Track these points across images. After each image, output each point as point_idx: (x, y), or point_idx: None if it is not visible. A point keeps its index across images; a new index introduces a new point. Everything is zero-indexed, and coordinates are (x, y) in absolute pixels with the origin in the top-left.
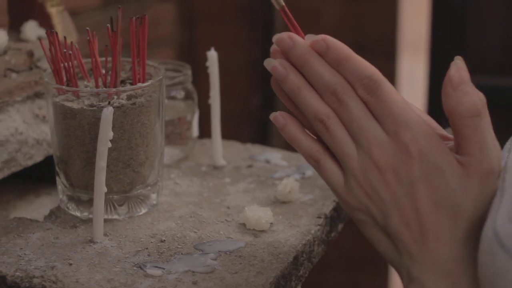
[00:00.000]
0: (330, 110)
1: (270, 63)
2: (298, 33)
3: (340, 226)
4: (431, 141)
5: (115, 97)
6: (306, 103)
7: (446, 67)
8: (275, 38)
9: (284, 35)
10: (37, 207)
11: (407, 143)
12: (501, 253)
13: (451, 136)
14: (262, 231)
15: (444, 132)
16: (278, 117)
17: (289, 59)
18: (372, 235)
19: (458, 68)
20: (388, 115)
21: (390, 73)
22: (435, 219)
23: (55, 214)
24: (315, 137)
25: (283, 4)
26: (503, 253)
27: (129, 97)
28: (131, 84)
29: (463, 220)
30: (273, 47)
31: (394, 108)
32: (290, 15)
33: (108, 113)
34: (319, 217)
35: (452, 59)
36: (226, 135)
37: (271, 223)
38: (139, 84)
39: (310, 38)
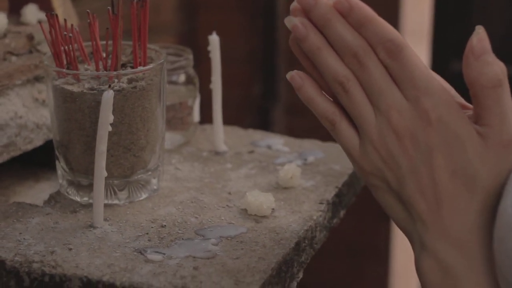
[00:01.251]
0: (350, 72)
1: (291, 21)
2: None
3: (342, 212)
4: (452, 110)
5: (116, 80)
6: (325, 64)
7: (448, 56)
8: None
9: None
10: (37, 192)
11: (427, 109)
12: None
13: (469, 105)
14: (264, 216)
15: (462, 100)
16: (295, 76)
17: (310, 18)
18: (385, 200)
19: (480, 38)
20: (409, 80)
21: None
22: (451, 188)
23: (55, 199)
24: (331, 99)
25: None
26: None
27: (130, 81)
28: (132, 67)
29: (480, 190)
30: (294, 5)
31: (416, 74)
32: None
33: (108, 96)
34: (321, 203)
35: (454, 48)
36: (227, 123)
37: (273, 209)
38: (140, 68)
39: None
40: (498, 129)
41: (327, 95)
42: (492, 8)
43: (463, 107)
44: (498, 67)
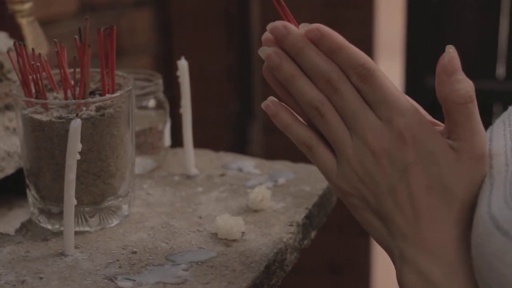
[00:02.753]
0: (324, 97)
1: (265, 51)
2: (291, 22)
3: (313, 234)
4: (424, 127)
5: (84, 108)
6: (300, 90)
7: (423, 71)
8: (269, 26)
9: (278, 23)
10: (10, 220)
11: (401, 129)
12: (498, 235)
13: (438, 122)
14: (234, 240)
15: (431, 118)
16: (269, 105)
17: (283, 47)
18: (365, 219)
19: (451, 57)
20: (382, 102)
21: None
22: (428, 202)
23: (26, 227)
24: (307, 124)
25: None
26: (500, 236)
27: (98, 108)
28: (101, 95)
29: (455, 202)
30: (266, 35)
31: (388, 95)
32: (283, 4)
33: (76, 125)
34: (291, 225)
35: (428, 64)
36: (203, 142)
37: (243, 232)
38: (108, 95)
39: (304, 27)
40: (470, 143)
41: (302, 120)
42: (464, 24)
43: (433, 124)
44: (468, 84)
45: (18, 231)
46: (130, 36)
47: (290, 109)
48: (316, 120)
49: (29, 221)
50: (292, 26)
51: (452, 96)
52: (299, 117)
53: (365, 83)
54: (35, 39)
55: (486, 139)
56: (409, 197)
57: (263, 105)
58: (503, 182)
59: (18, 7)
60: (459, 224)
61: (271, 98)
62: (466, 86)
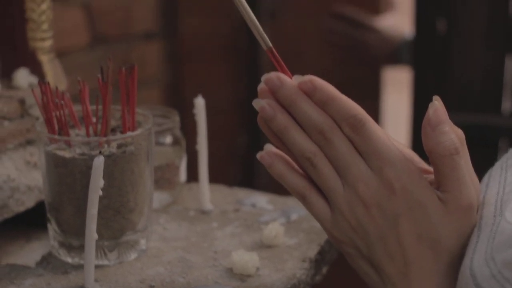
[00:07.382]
0: (317, 148)
1: (259, 103)
2: (285, 73)
3: (324, 269)
4: (414, 178)
5: (106, 145)
6: (293, 141)
7: (429, 104)
8: (264, 77)
9: (273, 75)
10: (28, 252)
11: (391, 179)
12: None
13: (431, 169)
14: (249, 275)
15: (425, 165)
16: (264, 156)
17: (277, 98)
18: (358, 266)
19: (436, 109)
20: (372, 153)
21: (374, 111)
22: (417, 252)
23: (47, 260)
24: (302, 172)
25: (271, 45)
26: None
27: (119, 146)
28: (121, 132)
29: (444, 253)
30: (261, 86)
31: (379, 146)
32: (277, 55)
33: (99, 162)
34: (304, 261)
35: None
36: (212, 175)
37: (258, 268)
38: (129, 133)
39: (298, 78)
40: (457, 195)
41: (298, 168)
42: (470, 58)
43: (426, 171)
44: (454, 135)
45: (39, 263)
46: (140, 68)
47: (286, 156)
48: (309, 170)
49: (49, 253)
50: (286, 78)
51: (437, 148)
52: (295, 165)
53: (357, 133)
54: (55, 75)
55: (475, 189)
56: (399, 246)
57: (258, 155)
58: (488, 236)
59: (39, 44)
60: (448, 275)
61: (267, 147)
62: (451, 138)
